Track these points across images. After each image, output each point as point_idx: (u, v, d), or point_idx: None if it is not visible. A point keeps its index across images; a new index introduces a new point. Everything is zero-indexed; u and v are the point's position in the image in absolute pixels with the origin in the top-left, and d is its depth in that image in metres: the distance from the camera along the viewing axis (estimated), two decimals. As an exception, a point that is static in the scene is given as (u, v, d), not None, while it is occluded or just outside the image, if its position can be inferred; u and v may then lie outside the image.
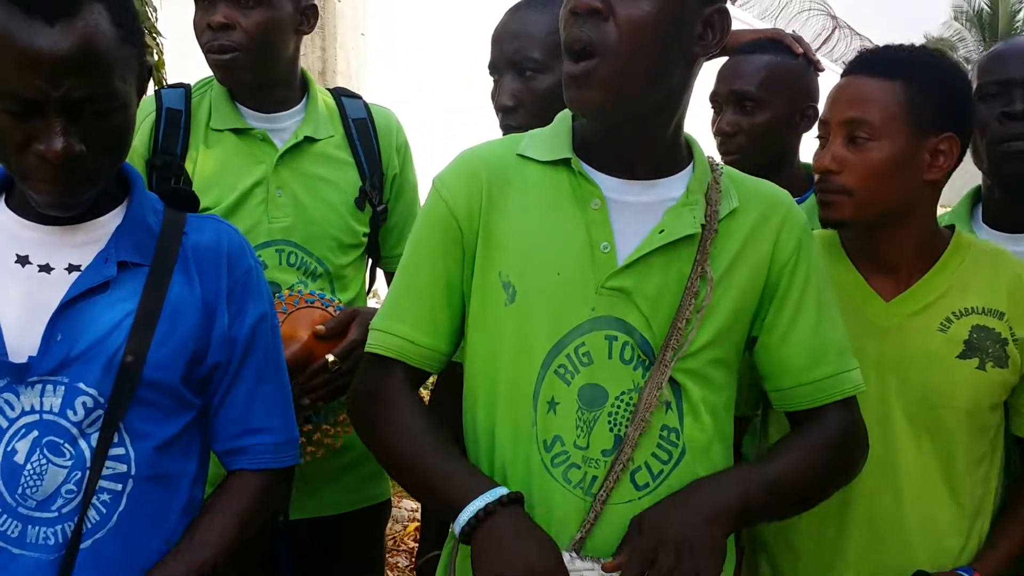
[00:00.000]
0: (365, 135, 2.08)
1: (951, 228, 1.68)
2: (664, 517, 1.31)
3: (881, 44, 1.71)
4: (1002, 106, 1.82)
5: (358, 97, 2.14)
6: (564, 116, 1.47)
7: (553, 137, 1.43)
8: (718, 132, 2.11)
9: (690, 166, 1.43)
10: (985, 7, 36.20)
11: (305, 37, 2.06)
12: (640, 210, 1.38)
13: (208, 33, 1.88)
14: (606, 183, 1.39)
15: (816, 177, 1.60)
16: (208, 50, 1.90)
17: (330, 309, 1.88)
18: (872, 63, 1.59)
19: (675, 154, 1.42)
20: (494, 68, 1.90)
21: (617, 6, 1.28)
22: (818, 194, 1.60)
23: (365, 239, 2.09)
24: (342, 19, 4.78)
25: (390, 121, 2.15)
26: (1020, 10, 35.74)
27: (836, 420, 1.45)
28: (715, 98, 2.13)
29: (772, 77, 2.11)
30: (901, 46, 1.68)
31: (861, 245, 1.66)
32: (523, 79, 1.84)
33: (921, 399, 1.59)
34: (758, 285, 1.43)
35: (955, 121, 1.58)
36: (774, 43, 2.19)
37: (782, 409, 1.50)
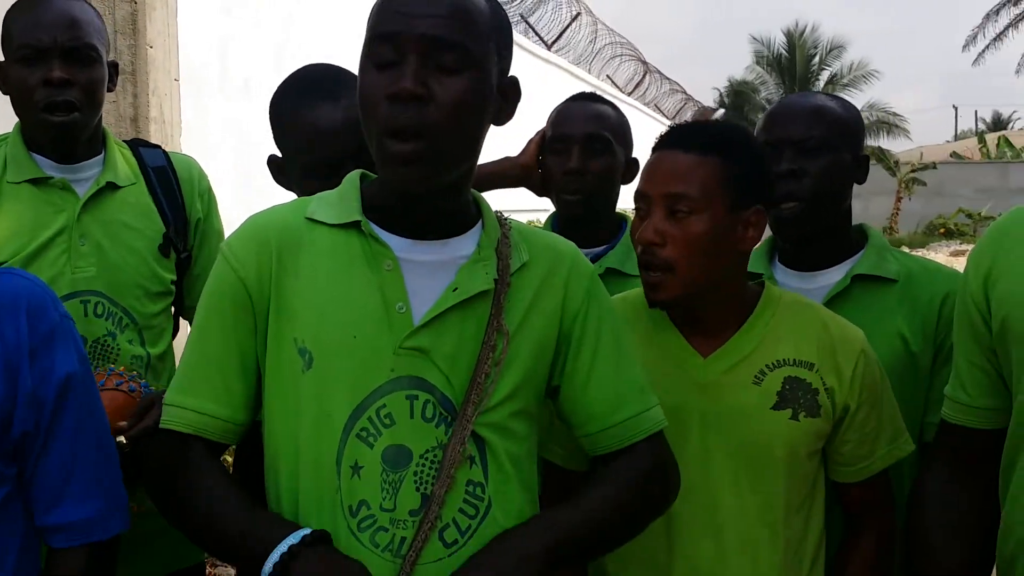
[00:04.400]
0: (166, 182, 2.05)
1: (761, 284, 1.73)
2: (471, 574, 1.32)
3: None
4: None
5: (156, 147, 2.13)
6: (352, 178, 1.47)
7: (342, 199, 1.43)
8: (567, 171, 2.14)
9: (479, 223, 1.46)
10: (784, 53, 38.58)
11: (117, 84, 2.05)
12: (433, 269, 1.39)
13: (43, 91, 1.84)
14: (397, 244, 1.39)
15: (639, 250, 1.62)
16: (45, 108, 1.85)
17: (135, 395, 1.78)
18: (688, 138, 1.63)
19: (465, 212, 1.44)
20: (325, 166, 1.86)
21: (436, 89, 1.29)
22: (643, 271, 1.62)
23: (174, 287, 2.05)
24: (154, 65, 4.62)
25: (191, 168, 2.12)
26: (815, 55, 38.27)
27: (645, 454, 1.47)
28: (566, 139, 2.17)
29: (619, 124, 2.20)
30: (710, 122, 1.75)
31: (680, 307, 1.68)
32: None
33: (740, 450, 1.62)
34: (552, 335, 1.45)
35: (762, 194, 1.65)
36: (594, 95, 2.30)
37: (593, 454, 1.52)
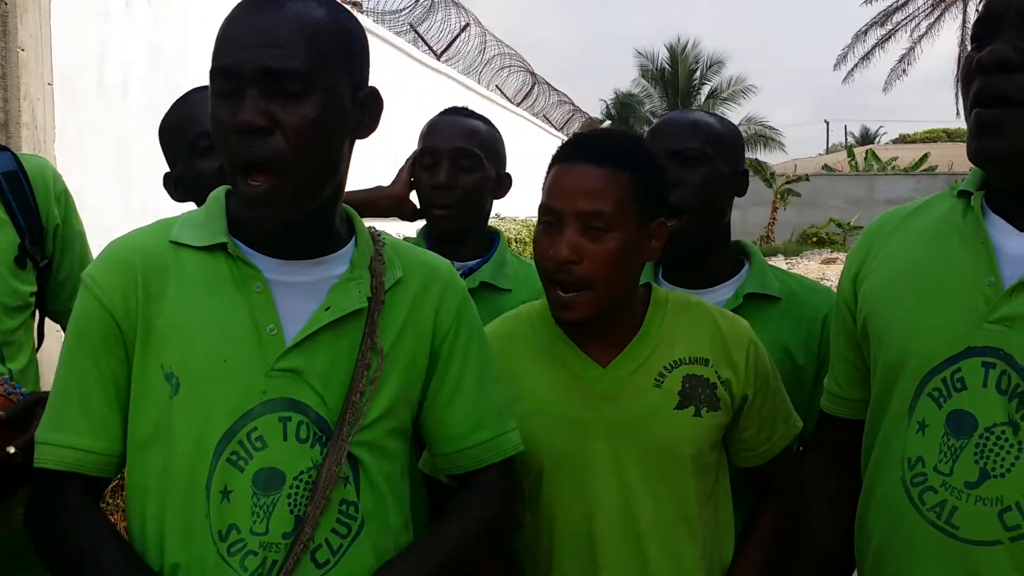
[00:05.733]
0: (17, 188, 1.91)
1: (647, 287, 1.74)
2: None
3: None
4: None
5: (5, 149, 1.98)
6: (217, 196, 1.43)
7: (207, 220, 1.39)
8: (435, 186, 2.12)
9: (352, 240, 1.44)
10: (667, 67, 39.40)
11: (-13, 88, 1.92)
12: (305, 289, 1.37)
13: None
14: (266, 264, 1.36)
15: (550, 267, 1.58)
16: None
17: (13, 397, 1.72)
18: (598, 152, 1.59)
19: (337, 230, 1.42)
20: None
21: (280, 117, 1.26)
22: (555, 290, 1.59)
23: (33, 299, 1.93)
24: (25, 68, 4.44)
25: (45, 170, 1.99)
26: (697, 70, 39.21)
27: (496, 483, 1.49)
28: (435, 153, 2.14)
29: (490, 139, 2.18)
30: (613, 132, 1.72)
31: None
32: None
33: (650, 454, 1.62)
34: (424, 352, 1.45)
35: (663, 205, 1.65)
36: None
37: (447, 472, 1.53)
